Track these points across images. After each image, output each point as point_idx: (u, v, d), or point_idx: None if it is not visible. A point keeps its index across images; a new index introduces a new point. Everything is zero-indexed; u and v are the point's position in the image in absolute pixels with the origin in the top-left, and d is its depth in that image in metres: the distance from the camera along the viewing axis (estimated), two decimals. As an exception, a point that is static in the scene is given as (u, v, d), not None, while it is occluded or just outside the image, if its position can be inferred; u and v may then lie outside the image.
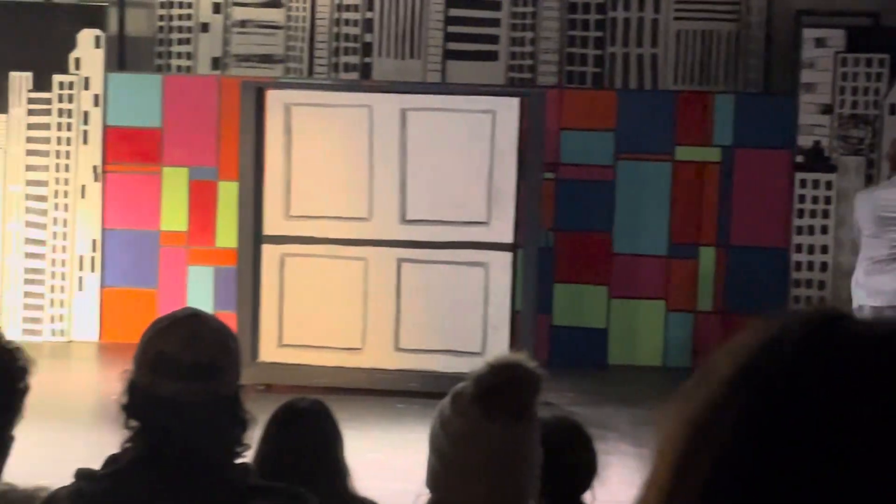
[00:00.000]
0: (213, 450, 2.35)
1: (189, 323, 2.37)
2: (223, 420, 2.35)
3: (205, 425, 2.32)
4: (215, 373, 2.33)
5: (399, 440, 7.35)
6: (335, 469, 3.36)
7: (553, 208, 10.18)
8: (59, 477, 2.50)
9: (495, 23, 10.73)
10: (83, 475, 2.36)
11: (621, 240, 10.35)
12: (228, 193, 10.17)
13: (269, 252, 8.92)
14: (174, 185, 10.43)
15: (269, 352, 8.83)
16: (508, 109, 8.83)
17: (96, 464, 2.47)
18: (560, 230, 10.28)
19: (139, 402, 2.34)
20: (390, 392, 8.61)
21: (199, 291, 10.29)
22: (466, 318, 8.80)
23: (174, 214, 10.44)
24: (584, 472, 3.10)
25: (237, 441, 2.38)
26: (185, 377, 2.30)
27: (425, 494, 2.37)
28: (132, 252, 10.44)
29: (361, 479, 3.55)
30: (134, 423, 2.35)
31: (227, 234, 10.16)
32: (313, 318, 8.87)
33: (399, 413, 8.18)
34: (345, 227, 8.90)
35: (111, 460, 2.37)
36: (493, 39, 10.73)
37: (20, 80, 10.41)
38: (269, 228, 8.93)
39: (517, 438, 2.30)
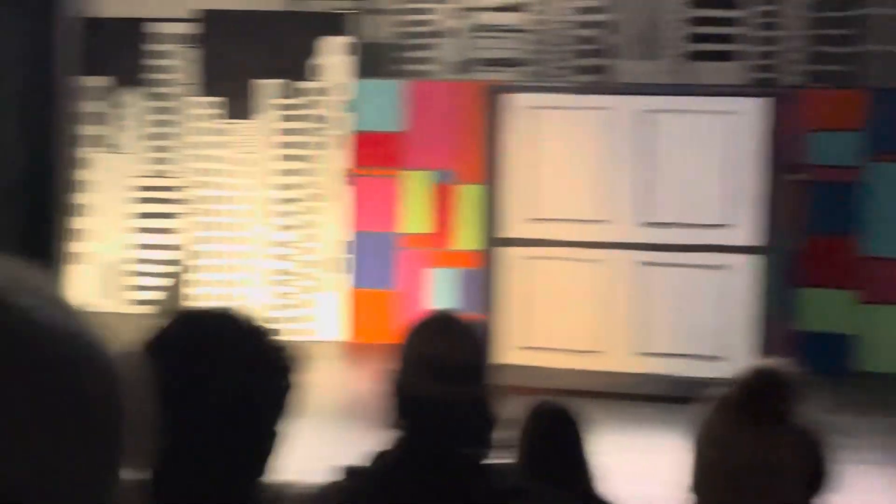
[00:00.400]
0: (474, 450, 2.38)
1: (449, 325, 2.41)
2: (480, 421, 2.38)
3: (465, 426, 2.36)
4: (475, 374, 2.37)
5: (638, 444, 7.29)
6: (585, 471, 3.36)
7: (799, 211, 9.93)
8: (310, 473, 2.56)
9: (739, 22, 10.54)
10: (353, 472, 2.42)
11: (871, 243, 10.03)
12: (468, 196, 10.29)
13: (510, 255, 8.99)
14: (417, 188, 10.60)
15: (510, 354, 8.89)
16: (753, 110, 8.67)
17: (347, 460, 2.53)
18: (807, 233, 10.03)
19: (403, 403, 2.39)
20: (630, 396, 8.55)
21: (441, 293, 10.44)
22: (708, 321, 8.67)
23: (417, 217, 10.61)
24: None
25: (492, 442, 2.41)
26: (447, 378, 2.34)
27: (689, 498, 2.35)
28: (377, 254, 10.66)
29: (603, 482, 3.55)
30: (399, 422, 2.40)
31: (467, 236, 10.29)
32: (554, 321, 8.89)
33: (638, 417, 8.12)
34: (585, 229, 8.89)
35: (378, 458, 2.43)
36: (737, 39, 10.55)
37: (269, 88, 10.76)
38: (511, 231, 9.00)
39: (781, 444, 2.27)
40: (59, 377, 0.87)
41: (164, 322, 1.80)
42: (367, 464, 2.48)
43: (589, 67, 10.76)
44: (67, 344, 0.89)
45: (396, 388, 2.42)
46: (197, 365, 1.74)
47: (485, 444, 2.40)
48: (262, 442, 1.80)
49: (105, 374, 0.90)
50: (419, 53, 11.03)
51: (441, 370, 2.34)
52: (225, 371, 1.75)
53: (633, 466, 6.42)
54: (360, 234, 10.71)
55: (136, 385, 0.92)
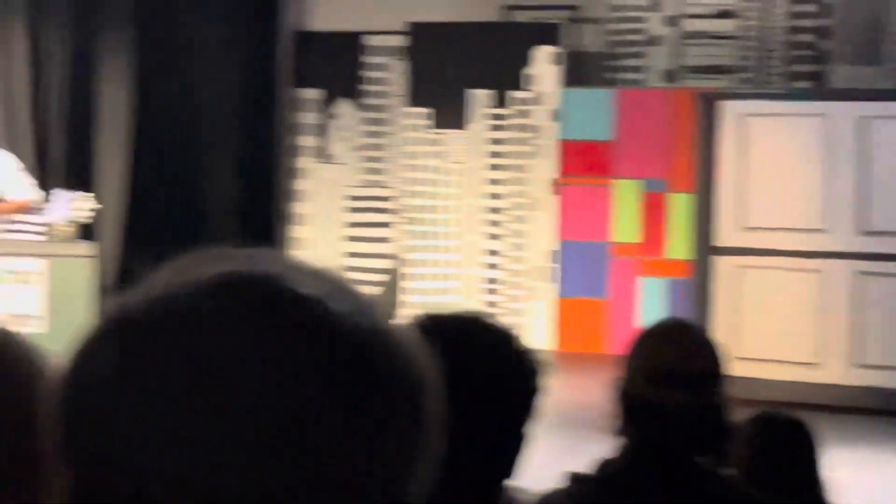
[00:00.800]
0: (707, 460, 2.37)
1: (683, 333, 2.41)
2: (715, 430, 2.37)
3: (699, 434, 2.35)
4: (709, 382, 2.36)
5: (867, 460, 7.09)
6: (816, 486, 3.30)
7: None
8: (533, 479, 2.58)
9: (962, 24, 10.17)
10: (576, 478, 2.44)
11: None
12: (679, 205, 10.18)
13: (722, 264, 8.87)
14: (625, 197, 10.55)
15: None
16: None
17: (569, 467, 2.54)
18: None
19: (632, 410, 2.39)
20: (848, 409, 8.33)
21: (650, 303, 10.36)
22: (931, 334, 8.41)
23: (625, 226, 10.56)
24: None
25: (723, 451, 2.39)
26: (681, 386, 2.33)
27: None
28: (585, 263, 10.65)
29: (833, 498, 3.47)
30: (625, 430, 2.40)
31: (677, 245, 10.18)
32: (767, 331, 8.74)
33: (861, 431, 7.90)
34: (800, 238, 8.72)
35: (604, 465, 2.43)
36: (960, 42, 10.18)
37: (480, 98, 10.86)
38: (722, 240, 8.88)
39: None
40: (364, 373, 0.85)
41: (409, 324, 1.84)
42: (592, 471, 2.49)
43: (804, 73, 10.53)
44: (369, 337, 0.86)
45: (625, 395, 2.42)
46: (449, 366, 1.77)
47: (718, 454, 2.38)
48: (510, 444, 1.83)
49: (409, 368, 0.87)
50: (629, 62, 10.97)
51: (675, 377, 2.34)
52: (477, 372, 1.78)
53: (865, 483, 6.25)
54: (568, 243, 10.71)
55: (433, 381, 0.90)
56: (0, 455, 1.66)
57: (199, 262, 0.89)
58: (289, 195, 11.50)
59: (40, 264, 7.21)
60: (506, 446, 1.82)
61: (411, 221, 11.00)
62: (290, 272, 0.87)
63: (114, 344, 0.85)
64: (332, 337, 0.85)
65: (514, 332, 1.88)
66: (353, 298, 0.88)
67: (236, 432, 0.81)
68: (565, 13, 10.97)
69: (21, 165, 7.85)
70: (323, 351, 0.84)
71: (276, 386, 0.82)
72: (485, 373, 1.79)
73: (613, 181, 10.59)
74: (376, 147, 11.35)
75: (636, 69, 10.95)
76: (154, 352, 0.83)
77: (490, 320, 1.87)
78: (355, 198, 11.39)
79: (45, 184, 8.74)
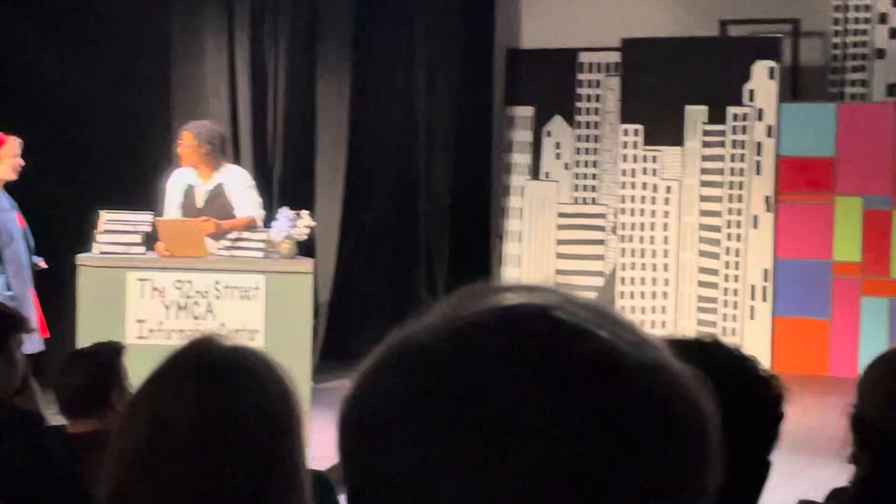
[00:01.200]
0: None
1: None
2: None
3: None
4: None
5: None
6: None
7: None
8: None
9: None
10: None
11: None
12: (904, 223, 9.85)
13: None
14: (847, 214, 10.25)
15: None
16: None
17: (780, 493, 2.46)
18: None
19: (870, 438, 2.29)
20: None
21: (873, 323, 10.02)
22: None
23: (847, 244, 10.25)
24: None
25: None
26: None
27: None
28: (803, 282, 10.37)
29: None
30: (860, 459, 2.30)
31: (903, 265, 9.84)
32: None
33: None
34: None
35: (837, 494, 2.34)
36: None
37: (696, 114, 10.70)
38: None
39: None
40: (652, 410, 0.83)
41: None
42: (823, 500, 2.40)
43: None
44: (653, 373, 0.84)
45: (860, 421, 2.31)
46: None
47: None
48: (757, 471, 1.78)
49: (695, 404, 0.86)
50: (853, 76, 10.67)
51: None
52: (723, 399, 1.73)
53: None
54: (787, 262, 10.46)
55: (714, 416, 0.89)
56: (255, 466, 1.69)
57: (477, 295, 0.89)
58: (502, 212, 11.54)
59: (259, 280, 7.37)
60: (752, 474, 1.77)
61: (624, 239, 10.90)
62: (566, 305, 0.87)
63: (397, 373, 0.86)
64: (616, 373, 0.84)
65: (753, 356, 1.83)
66: (632, 332, 0.87)
67: (516, 467, 0.81)
68: (785, 27, 10.73)
69: (251, 182, 8.04)
70: (608, 387, 0.83)
71: (559, 422, 0.81)
72: (730, 400, 1.73)
73: (835, 198, 10.30)
74: (589, 164, 11.29)
75: (860, 83, 10.64)
76: (436, 383, 0.84)
77: (729, 345, 1.82)
78: (567, 215, 11.35)
79: (267, 202, 8.95)
